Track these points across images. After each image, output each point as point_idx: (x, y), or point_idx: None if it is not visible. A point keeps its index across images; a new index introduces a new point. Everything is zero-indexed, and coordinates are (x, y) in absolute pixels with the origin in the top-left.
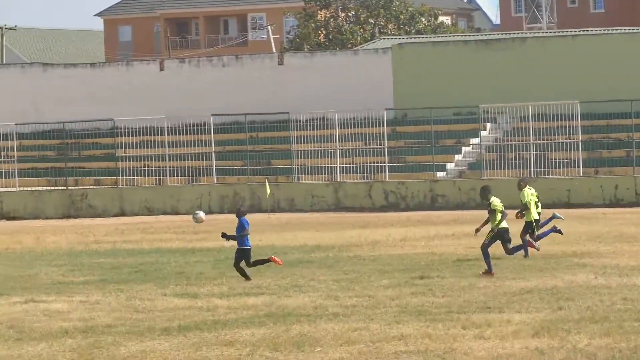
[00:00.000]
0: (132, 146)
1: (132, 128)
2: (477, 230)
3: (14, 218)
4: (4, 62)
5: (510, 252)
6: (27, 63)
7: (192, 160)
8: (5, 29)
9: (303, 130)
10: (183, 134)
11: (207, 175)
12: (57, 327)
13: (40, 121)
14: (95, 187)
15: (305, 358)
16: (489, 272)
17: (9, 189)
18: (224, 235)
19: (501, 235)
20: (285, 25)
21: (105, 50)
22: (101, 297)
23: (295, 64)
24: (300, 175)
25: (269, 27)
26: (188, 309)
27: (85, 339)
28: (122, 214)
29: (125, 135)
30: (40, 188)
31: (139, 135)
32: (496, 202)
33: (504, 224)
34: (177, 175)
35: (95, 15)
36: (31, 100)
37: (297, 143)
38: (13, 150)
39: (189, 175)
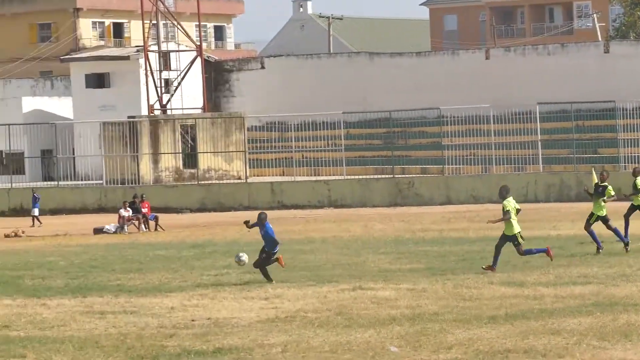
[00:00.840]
0: (457, 135)
1: (457, 116)
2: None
3: (341, 206)
4: (331, 51)
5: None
6: (353, 52)
7: (517, 148)
8: (333, 18)
9: (630, 118)
10: (508, 123)
11: (532, 164)
12: (385, 315)
13: (366, 110)
14: (421, 175)
15: (633, 347)
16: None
17: (337, 177)
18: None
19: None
20: (610, 13)
21: (431, 39)
22: (428, 285)
23: (621, 52)
24: (626, 164)
25: (595, 15)
26: (515, 298)
27: (413, 326)
28: (449, 202)
29: (450, 124)
30: (367, 176)
31: (465, 123)
32: (507, 202)
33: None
34: (503, 164)
35: (421, 5)
36: (358, 89)
37: (624, 132)
38: (340, 139)
39: (514, 164)
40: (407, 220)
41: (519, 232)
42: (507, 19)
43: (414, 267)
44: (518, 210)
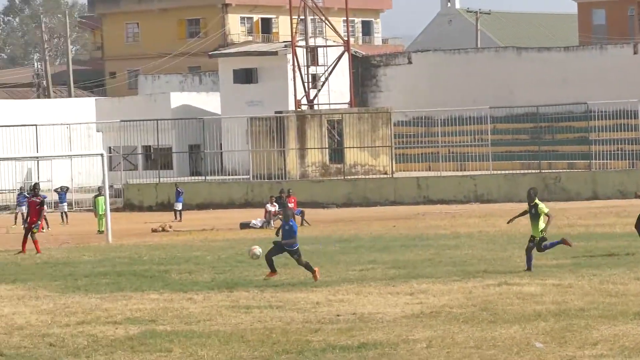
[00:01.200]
0: (605, 129)
1: (605, 111)
2: (510, 221)
3: (487, 201)
4: (479, 46)
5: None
6: (501, 47)
7: None
8: (480, 13)
9: None
10: None
11: None
12: (530, 310)
13: (513, 105)
14: (568, 170)
15: None
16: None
17: (483, 172)
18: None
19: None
20: None
21: (579, 34)
22: (574, 281)
23: None
24: None
25: None
26: None
27: (558, 322)
28: (595, 197)
29: (598, 119)
30: (514, 171)
31: (613, 118)
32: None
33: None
34: None
35: None
36: (505, 84)
37: None
38: (487, 134)
39: None
40: (553, 216)
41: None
42: None
43: (560, 263)
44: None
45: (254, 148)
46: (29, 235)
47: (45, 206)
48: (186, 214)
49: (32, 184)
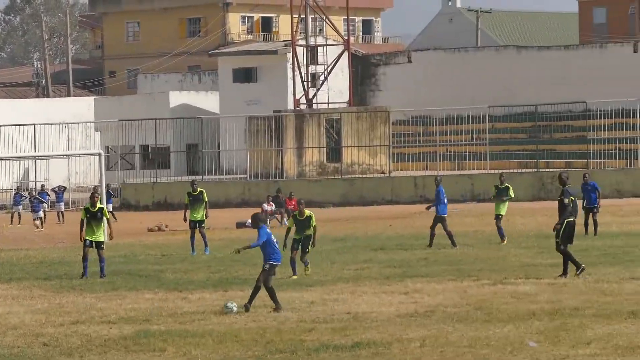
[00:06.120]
0: (603, 128)
1: (603, 110)
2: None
3: (484, 200)
4: (479, 44)
5: None
6: (501, 46)
7: None
8: (481, 12)
9: None
10: None
11: None
12: (525, 309)
13: (512, 104)
14: (565, 169)
15: None
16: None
17: (481, 172)
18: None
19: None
20: None
21: (580, 33)
22: (568, 280)
23: None
24: None
25: None
26: None
27: (552, 321)
28: None
29: (596, 118)
30: (511, 170)
31: (611, 117)
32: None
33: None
34: None
35: None
36: (504, 82)
37: None
38: (485, 133)
39: None
40: (550, 215)
41: None
42: None
43: (555, 262)
44: None
45: (251, 147)
46: None
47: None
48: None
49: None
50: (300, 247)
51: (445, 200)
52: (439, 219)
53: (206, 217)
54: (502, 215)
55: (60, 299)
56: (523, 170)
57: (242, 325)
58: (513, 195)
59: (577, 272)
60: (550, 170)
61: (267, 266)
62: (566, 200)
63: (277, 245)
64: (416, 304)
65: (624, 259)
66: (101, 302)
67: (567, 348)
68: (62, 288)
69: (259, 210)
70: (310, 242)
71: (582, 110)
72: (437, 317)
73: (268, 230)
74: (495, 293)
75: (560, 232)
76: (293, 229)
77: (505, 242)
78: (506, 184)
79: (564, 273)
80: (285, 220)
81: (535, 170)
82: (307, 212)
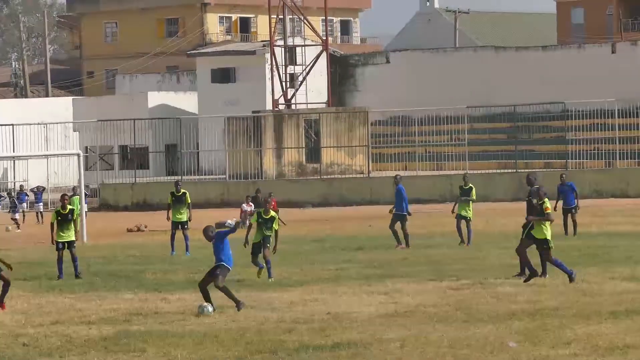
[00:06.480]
0: (582, 129)
1: (582, 111)
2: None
3: None
4: (457, 45)
5: None
6: (479, 46)
7: None
8: (459, 12)
9: None
10: (634, 117)
11: None
12: (505, 310)
13: (491, 104)
14: (544, 170)
15: None
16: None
17: (460, 172)
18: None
19: None
20: None
21: (558, 33)
22: (548, 280)
23: None
24: None
25: None
26: (636, 293)
27: (532, 321)
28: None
29: (575, 118)
30: (490, 171)
31: (590, 118)
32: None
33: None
34: (627, 159)
35: None
36: (483, 83)
37: None
38: (464, 134)
39: (638, 159)
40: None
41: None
42: (635, 13)
43: (534, 262)
44: None
45: (230, 148)
46: None
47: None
48: (161, 213)
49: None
50: (261, 248)
51: (406, 199)
52: (397, 217)
53: (189, 220)
54: (468, 217)
55: (39, 299)
56: (502, 171)
57: (222, 325)
58: (475, 198)
59: (525, 279)
60: (530, 170)
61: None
62: (534, 201)
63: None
64: (396, 304)
65: (603, 259)
66: (80, 303)
67: (547, 348)
68: (41, 288)
69: (238, 210)
70: (272, 245)
71: (560, 110)
72: (417, 318)
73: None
74: (475, 293)
75: (525, 231)
76: (255, 225)
77: (467, 245)
78: (470, 185)
79: (543, 273)
80: None
81: (515, 170)
82: (273, 213)
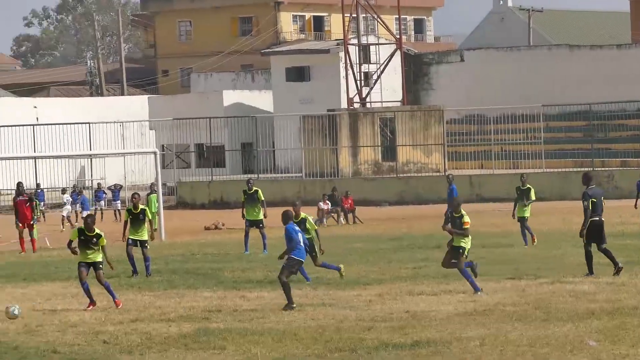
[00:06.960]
0: None
1: None
2: None
3: (540, 199)
4: (531, 43)
5: None
6: (553, 45)
7: None
8: (533, 11)
9: None
10: None
11: None
12: (584, 308)
13: (566, 102)
14: (621, 168)
15: None
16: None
17: (536, 170)
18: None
19: None
20: None
21: (632, 31)
22: (627, 279)
23: None
24: None
25: None
26: None
27: (611, 320)
28: None
29: None
30: (567, 169)
31: None
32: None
33: None
34: None
35: None
36: (558, 81)
37: None
38: (540, 132)
39: None
40: (606, 214)
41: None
42: None
43: (608, 262)
44: None
45: (306, 146)
46: (30, 234)
47: (35, 202)
48: (238, 211)
49: (16, 183)
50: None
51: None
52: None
53: (264, 217)
54: (526, 217)
55: (119, 297)
56: (579, 169)
57: (301, 323)
58: (534, 198)
59: (615, 272)
60: (606, 169)
61: (286, 261)
62: (585, 203)
63: (300, 241)
64: (475, 302)
65: None
66: (160, 300)
67: (627, 347)
68: (120, 286)
69: (314, 209)
70: (317, 246)
71: (636, 109)
72: (496, 316)
73: (296, 227)
74: (553, 292)
75: (584, 234)
76: None
77: (533, 244)
78: (528, 186)
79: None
80: (342, 219)
81: (591, 169)
82: (303, 214)
